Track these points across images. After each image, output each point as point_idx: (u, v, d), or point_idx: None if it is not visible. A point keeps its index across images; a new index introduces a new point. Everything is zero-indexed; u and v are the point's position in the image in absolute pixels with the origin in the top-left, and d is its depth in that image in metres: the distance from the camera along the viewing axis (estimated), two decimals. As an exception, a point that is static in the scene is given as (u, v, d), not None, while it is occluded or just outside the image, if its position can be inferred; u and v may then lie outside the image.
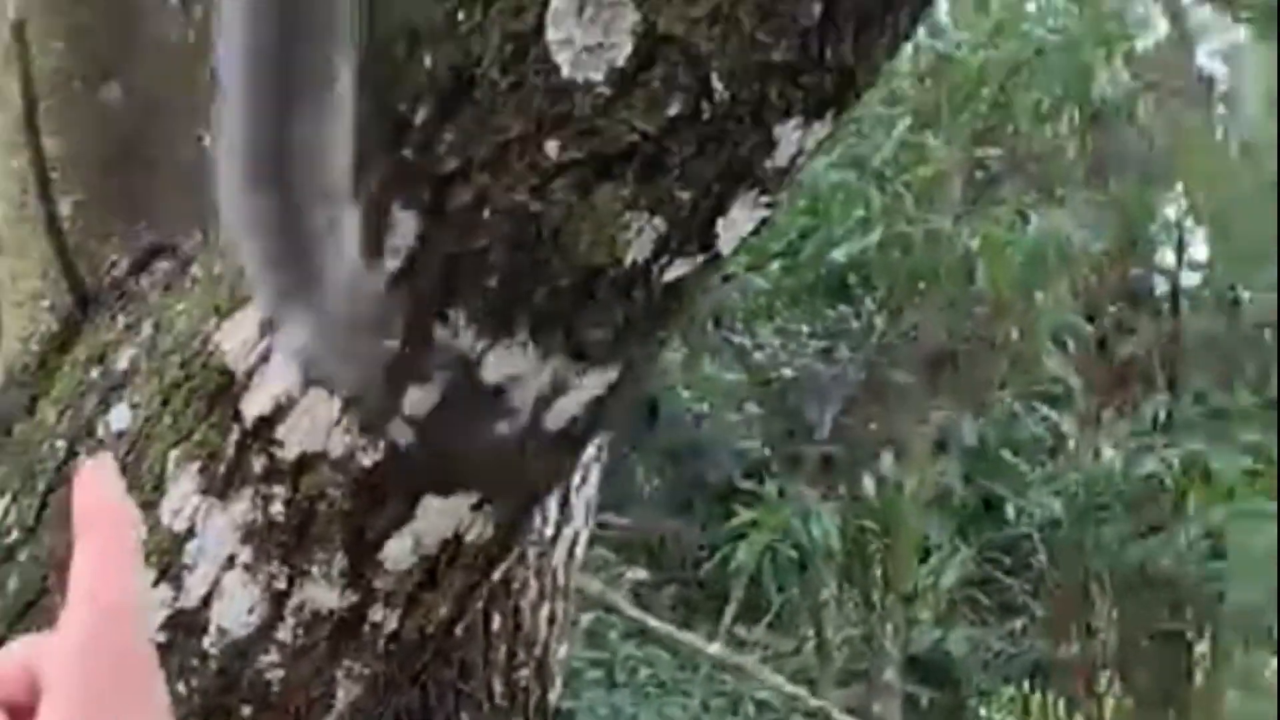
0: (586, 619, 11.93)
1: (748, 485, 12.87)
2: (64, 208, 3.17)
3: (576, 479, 3.47)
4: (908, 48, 11.43)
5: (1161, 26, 14.30)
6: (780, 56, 2.62)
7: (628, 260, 2.71)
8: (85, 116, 3.22)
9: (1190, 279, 13.69)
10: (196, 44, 3.13)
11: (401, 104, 2.69)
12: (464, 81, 2.65)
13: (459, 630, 3.14)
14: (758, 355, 13.26)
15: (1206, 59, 14.92)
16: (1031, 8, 13.91)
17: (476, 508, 2.90)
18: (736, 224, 2.74)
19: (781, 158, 2.72)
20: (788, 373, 13.16)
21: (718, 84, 2.62)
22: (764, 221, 2.87)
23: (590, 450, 3.30)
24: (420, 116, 2.69)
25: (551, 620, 3.40)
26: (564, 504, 3.40)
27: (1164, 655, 13.45)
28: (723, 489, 13.32)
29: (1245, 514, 11.83)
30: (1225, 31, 14.79)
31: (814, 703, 10.99)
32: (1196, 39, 14.73)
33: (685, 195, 2.68)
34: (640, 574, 13.61)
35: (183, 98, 3.29)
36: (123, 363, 3.04)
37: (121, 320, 3.11)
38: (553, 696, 3.44)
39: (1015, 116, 12.38)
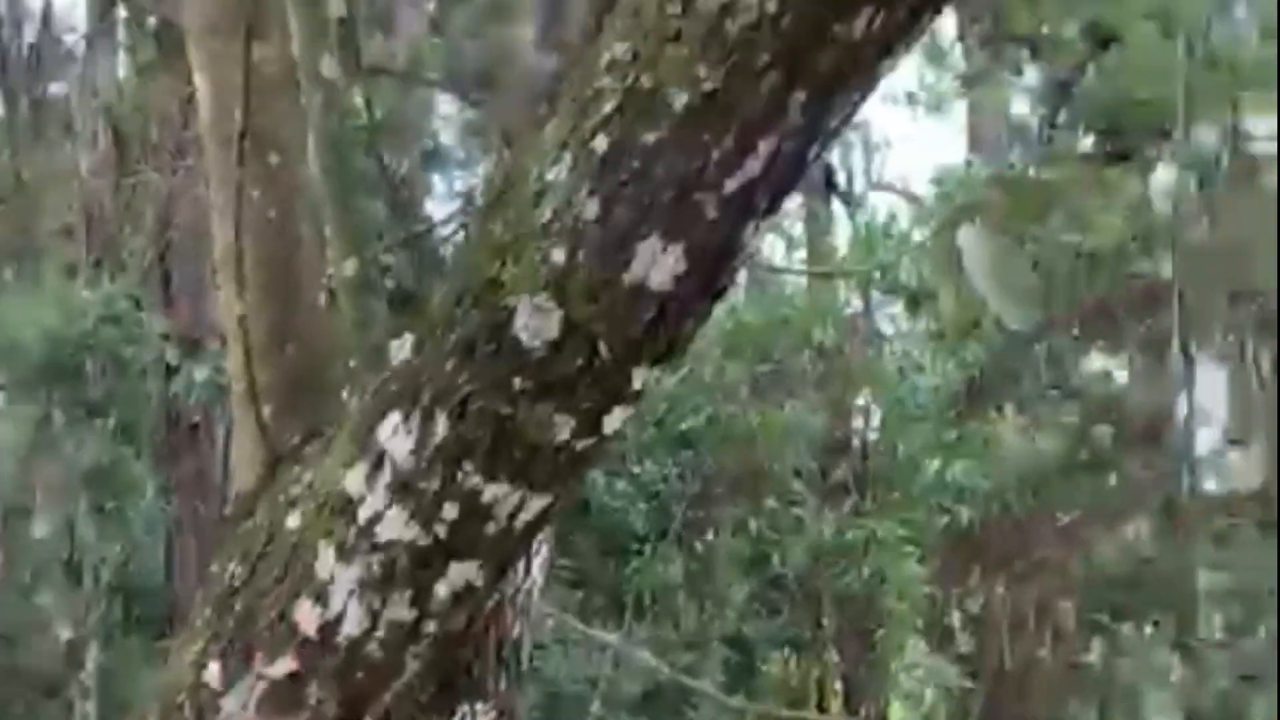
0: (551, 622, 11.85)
1: (638, 547, 12.76)
2: (265, 410, 3.12)
3: (534, 551, 3.33)
4: (718, 313, 11.34)
5: (855, 305, 14.26)
6: (636, 334, 2.58)
7: (556, 440, 2.67)
8: (275, 362, 3.14)
9: (873, 435, 13.63)
10: (340, 316, 3.10)
11: (438, 359, 2.67)
12: (469, 346, 2.63)
13: (472, 632, 3.04)
14: (644, 477, 13.11)
15: (880, 322, 14.88)
16: (789, 290, 13.91)
17: (480, 568, 2.83)
18: (615, 420, 2.70)
19: (637, 384, 2.67)
20: (661, 486, 13.00)
21: (602, 348, 2.58)
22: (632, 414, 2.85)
23: (541, 536, 3.16)
24: (449, 365, 2.66)
25: (520, 629, 3.32)
26: (528, 566, 3.30)
27: (850, 638, 13.31)
28: (625, 548, 13.18)
29: (898, 556, 11.77)
30: (890, 306, 14.72)
31: (665, 668, 10.83)
32: (876, 310, 14.65)
33: (586, 406, 2.65)
34: (579, 594, 13.43)
35: (331, 347, 3.21)
36: (296, 491, 2.96)
37: (295, 470, 3.03)
38: (523, 667, 3.35)
39: (776, 353, 12.35)
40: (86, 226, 9.73)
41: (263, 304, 3.12)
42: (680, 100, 2.43)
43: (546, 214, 2.54)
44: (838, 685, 14.87)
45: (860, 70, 2.49)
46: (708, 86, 2.41)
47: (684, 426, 12.19)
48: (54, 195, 10.44)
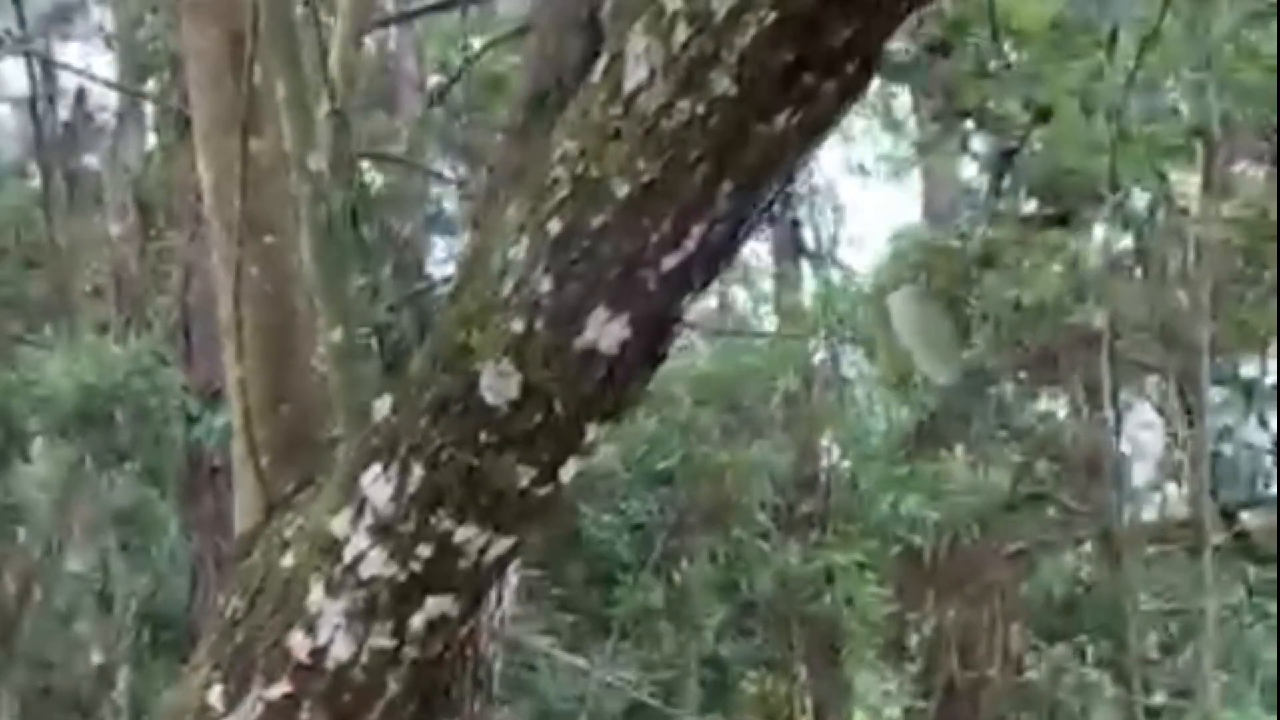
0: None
1: (623, 578, 12.76)
2: (263, 462, 3.15)
3: (506, 581, 3.38)
4: (691, 363, 11.32)
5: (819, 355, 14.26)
6: (587, 394, 2.65)
7: (519, 486, 2.73)
8: (271, 420, 3.17)
9: (838, 469, 13.62)
10: (329, 379, 3.12)
11: (414, 416, 2.74)
12: (441, 405, 2.69)
13: (448, 656, 3.07)
14: (629, 511, 13.09)
15: (847, 369, 14.82)
16: (758, 341, 13.93)
17: (454, 601, 2.87)
18: (570, 470, 2.76)
19: (590, 438, 2.73)
20: (643, 519, 12.98)
21: (558, 406, 2.64)
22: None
23: (512, 568, 3.25)
24: (423, 422, 2.73)
25: (494, 653, 3.34)
26: (499, 597, 3.33)
27: (817, 657, 13.26)
28: (610, 576, 13.19)
29: (857, 582, 11.75)
30: (852, 355, 14.64)
31: (645, 688, 10.75)
32: (843, 358, 14.62)
33: (544, 458, 2.71)
34: (570, 618, 13.41)
35: (321, 406, 3.22)
36: (290, 534, 3.01)
37: (289, 515, 3.08)
38: (495, 688, 3.38)
39: (745, 399, 12.37)
40: (116, 288, 9.85)
41: (261, 368, 3.17)
42: (623, 189, 2.52)
43: (507, 288, 2.62)
44: (807, 701, 14.87)
45: (782, 162, 2.58)
46: (646, 178, 2.51)
47: (661, 466, 12.14)
48: (86, 259, 10.57)
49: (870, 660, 12.64)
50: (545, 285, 2.59)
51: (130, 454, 8.52)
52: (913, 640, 13.53)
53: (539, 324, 2.60)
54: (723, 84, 2.43)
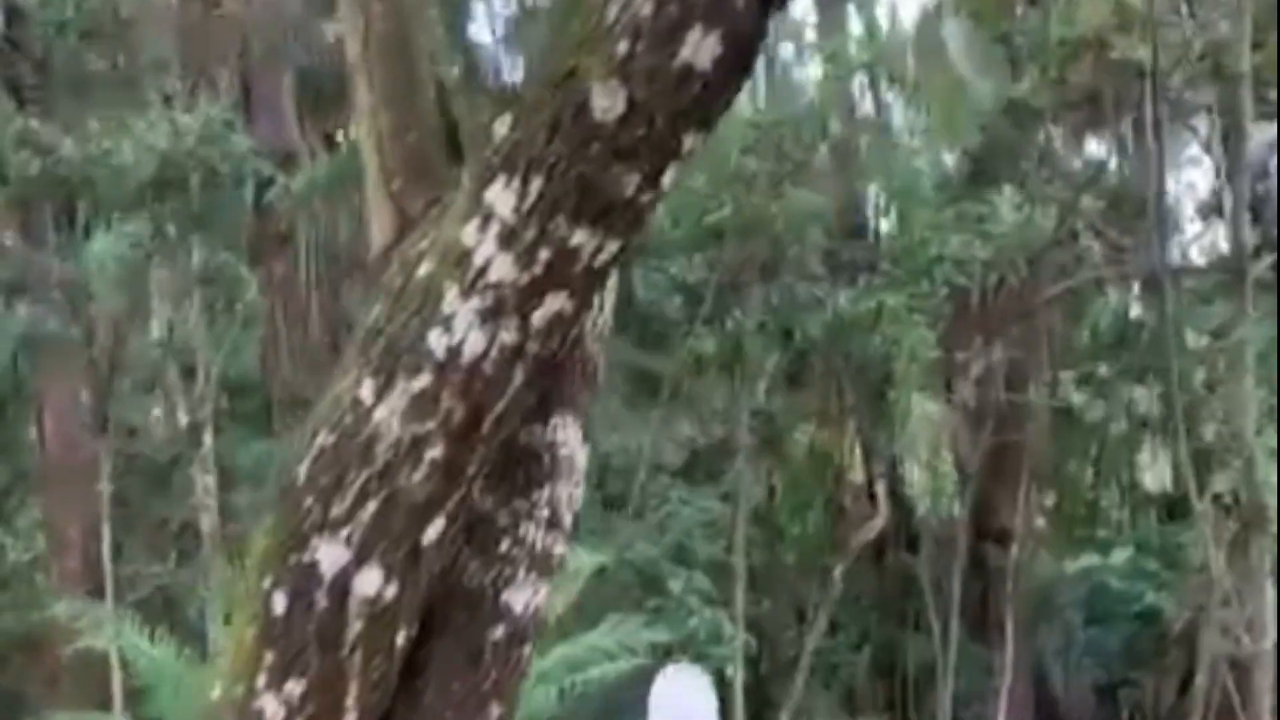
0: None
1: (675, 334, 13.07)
2: (395, 184, 3.42)
3: (607, 289, 3.59)
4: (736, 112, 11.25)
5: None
6: (684, 107, 2.98)
7: (626, 194, 3.08)
8: (400, 145, 3.42)
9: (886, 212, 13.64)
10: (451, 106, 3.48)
11: (531, 134, 3.05)
12: (555, 122, 3.02)
13: (562, 353, 3.32)
14: (675, 275, 13.38)
15: (895, 116, 14.81)
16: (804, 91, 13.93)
17: (569, 298, 3.20)
18: (669, 177, 3.08)
19: (687, 147, 3.05)
20: (690, 279, 13.28)
21: (659, 120, 2.99)
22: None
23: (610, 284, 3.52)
24: (540, 138, 3.04)
25: (598, 351, 3.63)
26: (601, 304, 3.58)
27: (875, 401, 13.60)
28: (663, 333, 13.54)
29: (905, 324, 11.91)
30: (897, 99, 14.54)
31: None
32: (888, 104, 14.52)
33: (647, 167, 3.06)
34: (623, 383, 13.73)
35: (442, 134, 3.46)
36: (424, 246, 3.28)
37: (422, 230, 3.35)
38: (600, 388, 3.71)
39: (790, 146, 12.62)
40: (179, 57, 10.12)
41: (389, 100, 3.46)
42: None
43: (612, 14, 2.96)
44: (857, 451, 15.32)
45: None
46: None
47: (711, 220, 12.29)
48: (148, 29, 10.79)
49: (920, 399, 12.93)
50: (646, 9, 2.92)
51: (205, 219, 8.84)
52: (961, 379, 13.80)
53: (641, 45, 2.94)
54: None
